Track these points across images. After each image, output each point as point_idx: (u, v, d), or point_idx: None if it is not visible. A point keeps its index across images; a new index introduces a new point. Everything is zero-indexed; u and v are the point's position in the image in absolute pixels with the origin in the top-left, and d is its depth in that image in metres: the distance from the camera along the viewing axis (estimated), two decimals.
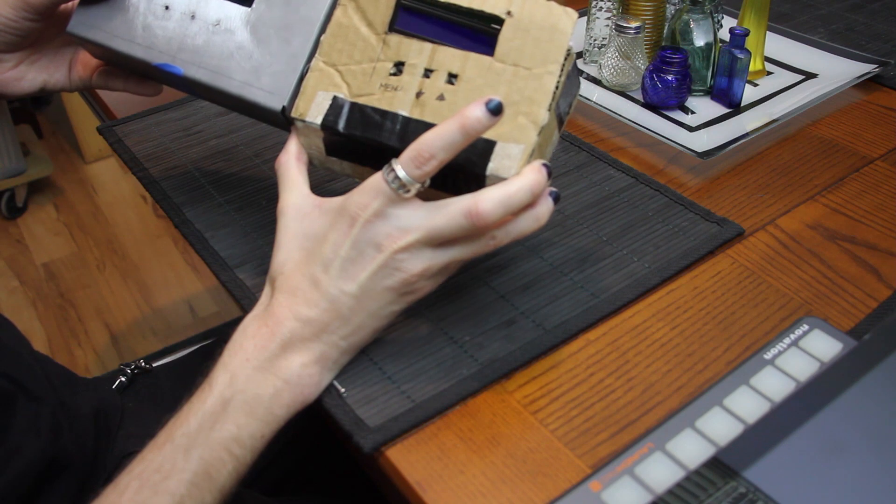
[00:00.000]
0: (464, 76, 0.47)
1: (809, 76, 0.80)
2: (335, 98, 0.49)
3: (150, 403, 0.70)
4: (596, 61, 0.84)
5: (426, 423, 0.46)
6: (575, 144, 0.71)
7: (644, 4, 0.77)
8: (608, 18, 0.81)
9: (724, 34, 0.83)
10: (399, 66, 0.48)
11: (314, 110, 0.49)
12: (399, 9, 0.49)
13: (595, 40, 0.83)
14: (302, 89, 0.50)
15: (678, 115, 0.74)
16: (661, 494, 0.41)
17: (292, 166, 0.49)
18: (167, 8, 0.52)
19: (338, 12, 0.51)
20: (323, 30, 0.51)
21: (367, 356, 0.50)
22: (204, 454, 0.43)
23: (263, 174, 0.68)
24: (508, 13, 0.47)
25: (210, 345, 0.80)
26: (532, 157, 0.46)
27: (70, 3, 0.55)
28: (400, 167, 0.43)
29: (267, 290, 0.48)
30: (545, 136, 0.47)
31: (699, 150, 0.67)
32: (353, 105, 0.48)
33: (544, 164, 0.44)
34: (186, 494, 0.42)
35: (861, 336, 0.50)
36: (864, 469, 0.41)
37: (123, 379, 0.73)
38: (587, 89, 0.79)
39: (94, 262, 1.84)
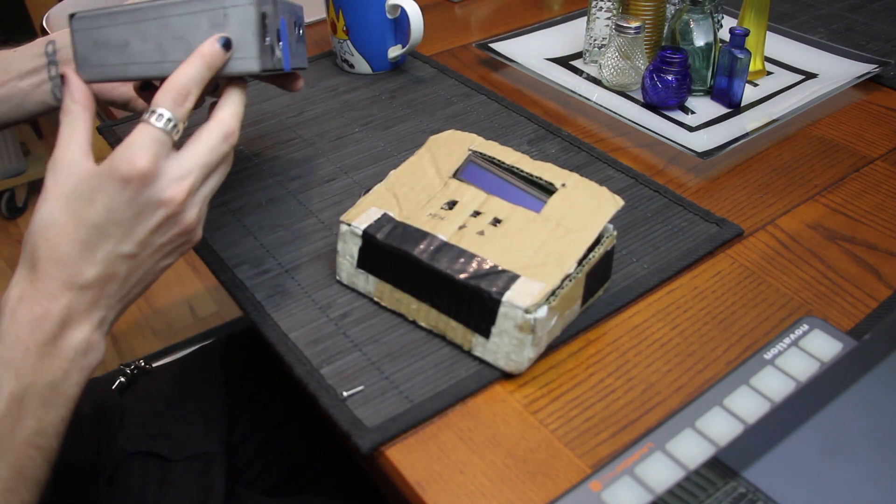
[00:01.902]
0: (507, 222, 0.52)
1: (809, 76, 0.80)
2: (385, 214, 0.53)
3: (150, 404, 0.70)
4: (596, 61, 0.84)
5: (425, 423, 0.46)
6: (574, 144, 0.71)
7: (644, 4, 0.77)
8: (608, 18, 0.81)
9: (724, 34, 0.83)
10: (451, 204, 0.53)
11: (362, 219, 0.53)
12: (468, 163, 0.56)
13: (595, 40, 0.83)
14: (358, 202, 0.54)
15: (678, 115, 0.74)
16: (661, 494, 0.41)
17: (79, 115, 0.46)
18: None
19: (414, 156, 0.58)
20: None
21: (365, 356, 0.50)
22: (10, 458, 0.41)
23: (263, 174, 0.68)
24: (563, 185, 0.53)
25: (210, 345, 0.80)
26: (552, 305, 0.47)
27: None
28: (164, 109, 0.45)
29: (25, 258, 0.44)
30: (569, 291, 0.49)
31: (699, 150, 0.67)
32: (399, 223, 0.52)
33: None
34: (1, 501, 0.41)
35: (861, 336, 0.50)
36: (864, 469, 0.41)
37: (123, 379, 0.73)
38: (587, 89, 0.79)
39: None
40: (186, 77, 0.46)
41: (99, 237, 0.43)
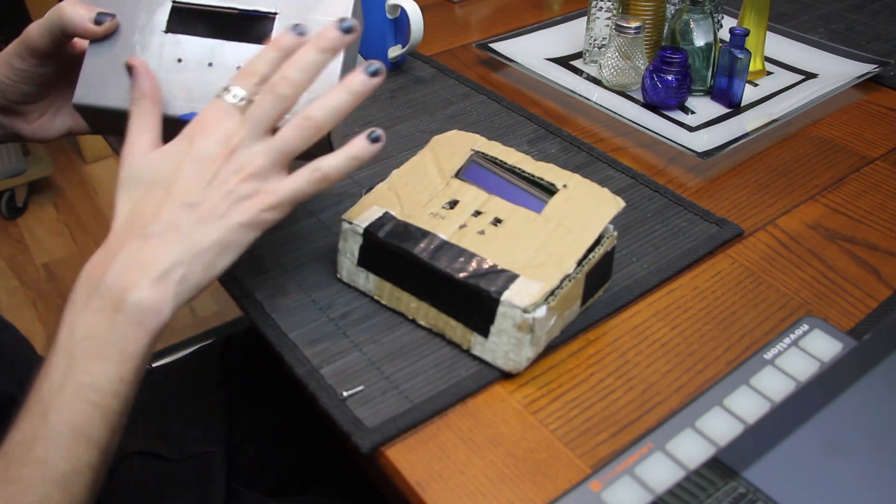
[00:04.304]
0: (508, 222, 0.52)
1: (809, 76, 0.80)
2: (386, 213, 0.53)
3: (149, 404, 0.70)
4: (596, 61, 0.84)
5: (425, 423, 0.46)
6: (574, 144, 0.71)
7: (644, 4, 0.77)
8: (608, 18, 0.81)
9: (724, 34, 0.83)
10: (453, 204, 0.53)
11: (363, 217, 0.53)
12: (471, 163, 0.56)
13: (595, 40, 0.83)
14: (360, 202, 0.54)
15: (678, 115, 0.74)
16: (661, 494, 0.41)
17: (148, 109, 0.47)
18: (179, 61, 0.51)
19: (417, 155, 0.58)
20: (348, 50, 0.52)
21: (365, 356, 0.50)
22: (63, 414, 0.40)
23: None
24: (564, 186, 0.53)
25: (210, 345, 0.80)
26: (551, 305, 0.47)
27: (77, 41, 0.55)
28: (236, 87, 0.46)
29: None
30: (569, 291, 0.49)
31: (699, 150, 0.67)
32: (400, 221, 0.52)
33: (342, 25, 0.46)
34: (58, 457, 0.40)
35: (861, 336, 0.50)
36: (864, 469, 0.41)
37: None
38: (587, 89, 0.79)
39: None
40: (259, 60, 0.46)
41: (162, 191, 0.44)
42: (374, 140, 0.46)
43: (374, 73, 0.46)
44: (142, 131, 0.46)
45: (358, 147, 0.46)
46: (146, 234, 0.43)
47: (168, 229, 0.43)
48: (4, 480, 0.39)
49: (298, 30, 0.47)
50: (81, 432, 0.40)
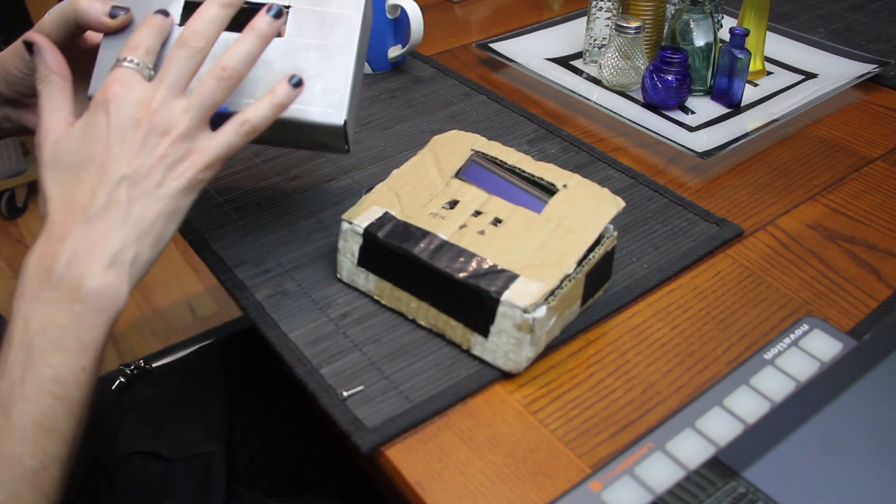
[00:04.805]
0: (508, 222, 0.52)
1: (809, 76, 0.80)
2: (386, 213, 0.53)
3: (150, 404, 0.70)
4: (596, 61, 0.84)
5: (425, 423, 0.46)
6: (574, 144, 0.71)
7: (644, 4, 0.77)
8: (608, 18, 0.81)
9: (724, 34, 0.83)
10: (453, 204, 0.53)
11: (364, 217, 0.53)
12: (471, 163, 0.56)
13: (595, 40, 0.83)
14: (360, 201, 0.54)
15: (678, 115, 0.74)
16: (661, 494, 0.41)
17: (56, 84, 0.47)
18: None
19: (417, 155, 0.58)
20: (360, 42, 0.52)
21: (365, 356, 0.50)
22: (26, 407, 0.40)
23: (263, 174, 0.68)
24: (564, 186, 0.53)
25: (210, 345, 0.80)
26: (551, 305, 0.47)
27: (89, 35, 0.55)
28: (131, 55, 0.45)
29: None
30: (569, 291, 0.49)
31: (699, 150, 0.67)
32: (400, 221, 0.52)
33: None
34: (24, 452, 0.39)
35: (861, 336, 0.50)
36: (864, 469, 0.41)
37: (123, 379, 0.73)
38: (587, 89, 0.79)
39: None
40: (136, 35, 0.47)
41: (92, 168, 0.43)
42: (296, 85, 0.47)
43: (277, 14, 0.47)
44: (55, 108, 0.46)
45: (281, 93, 0.47)
46: (88, 218, 0.43)
47: (109, 208, 0.43)
48: None
49: (164, 13, 0.48)
50: (46, 426, 0.40)
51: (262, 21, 0.46)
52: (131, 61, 0.45)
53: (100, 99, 0.44)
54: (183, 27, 0.46)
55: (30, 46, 0.48)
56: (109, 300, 0.42)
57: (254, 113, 0.46)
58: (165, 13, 0.48)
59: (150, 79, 0.46)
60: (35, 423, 0.40)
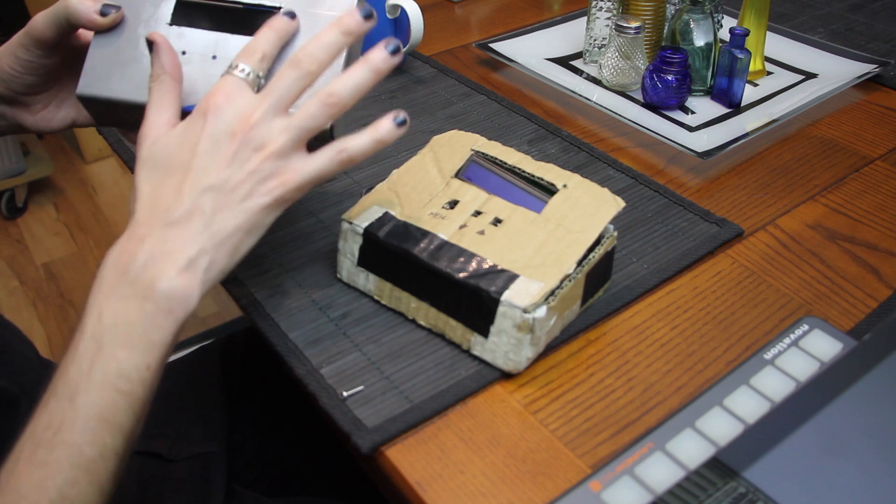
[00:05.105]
0: (508, 222, 0.52)
1: (809, 76, 0.80)
2: (386, 213, 0.53)
3: (149, 403, 0.70)
4: (596, 61, 0.84)
5: (425, 423, 0.46)
6: (574, 144, 0.71)
7: (644, 4, 0.77)
8: (608, 18, 0.81)
9: (724, 34, 0.83)
10: (453, 204, 0.53)
11: (364, 217, 0.53)
12: (471, 163, 0.56)
13: (595, 40, 0.83)
14: (360, 201, 0.54)
15: (678, 115, 0.74)
16: (661, 494, 0.41)
17: (168, 86, 0.47)
18: (184, 53, 0.51)
19: (417, 155, 0.58)
20: (353, 46, 0.52)
21: (365, 356, 0.50)
22: (91, 398, 0.40)
23: None
24: (564, 186, 0.53)
25: (210, 345, 0.80)
26: (551, 305, 0.47)
27: (82, 33, 0.55)
28: (243, 63, 0.46)
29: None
30: (569, 291, 0.49)
31: (699, 150, 0.67)
32: (400, 221, 0.52)
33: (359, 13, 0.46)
34: (84, 442, 0.40)
35: (861, 336, 0.50)
36: (864, 469, 0.41)
37: None
38: (587, 89, 0.79)
39: (94, 262, 1.83)
40: (261, 40, 0.47)
41: (182, 174, 0.44)
42: (400, 124, 0.46)
43: (394, 51, 0.46)
44: (161, 108, 0.46)
45: (384, 130, 0.46)
46: (170, 222, 0.43)
47: (192, 215, 0.43)
48: (32, 463, 0.39)
49: (291, 15, 0.48)
50: (108, 419, 0.41)
51: (378, 56, 0.46)
52: (242, 70, 0.45)
53: (203, 106, 0.45)
54: (302, 48, 0.46)
55: (150, 45, 0.48)
56: (180, 303, 0.43)
57: (354, 144, 0.46)
58: (292, 15, 0.48)
59: (259, 88, 0.46)
60: (98, 415, 0.41)
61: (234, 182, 0.44)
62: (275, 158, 0.44)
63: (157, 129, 0.45)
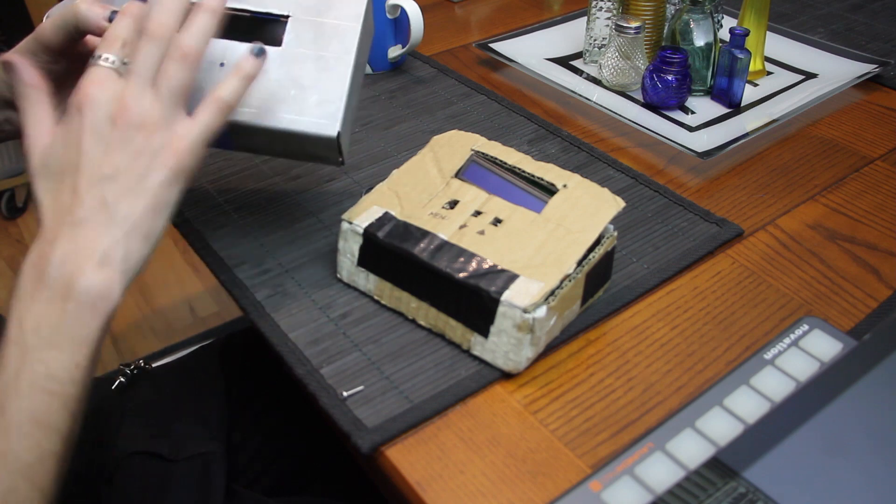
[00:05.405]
0: (508, 222, 0.52)
1: (809, 76, 0.80)
2: (386, 213, 0.53)
3: (150, 404, 0.70)
4: (596, 61, 0.84)
5: (425, 423, 0.46)
6: (574, 144, 0.71)
7: (644, 4, 0.77)
8: (608, 18, 0.81)
9: (724, 34, 0.83)
10: (453, 204, 0.53)
11: (364, 217, 0.53)
12: (471, 163, 0.56)
13: (595, 40, 0.83)
14: (360, 201, 0.54)
15: (678, 115, 0.74)
16: (661, 494, 0.41)
17: (37, 98, 0.46)
18: None
19: (417, 155, 0.58)
20: (359, 53, 0.52)
21: (365, 356, 0.50)
22: (22, 404, 0.40)
23: (263, 174, 0.68)
24: (564, 186, 0.53)
25: (210, 345, 0.80)
26: (551, 305, 0.47)
27: (89, 39, 0.55)
28: (106, 52, 0.45)
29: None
30: (569, 291, 0.49)
31: (699, 150, 0.67)
32: (400, 221, 0.52)
33: None
34: (20, 448, 0.40)
35: (861, 336, 0.50)
36: (864, 469, 0.41)
37: (123, 379, 0.73)
38: (587, 89, 0.79)
39: None
40: (114, 28, 0.47)
41: (74, 173, 0.43)
42: (258, 54, 0.47)
43: None
44: (36, 120, 0.46)
45: (247, 66, 0.47)
46: (76, 221, 0.43)
47: (95, 210, 0.43)
48: None
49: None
50: (42, 422, 0.41)
51: (218, 2, 0.47)
52: (106, 59, 0.45)
53: (76, 101, 0.44)
54: (149, 20, 0.45)
55: (6, 66, 0.48)
56: (102, 298, 0.42)
57: (226, 89, 0.46)
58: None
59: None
60: (30, 419, 0.40)
61: (126, 166, 0.44)
62: (157, 130, 0.44)
63: (39, 139, 0.45)
